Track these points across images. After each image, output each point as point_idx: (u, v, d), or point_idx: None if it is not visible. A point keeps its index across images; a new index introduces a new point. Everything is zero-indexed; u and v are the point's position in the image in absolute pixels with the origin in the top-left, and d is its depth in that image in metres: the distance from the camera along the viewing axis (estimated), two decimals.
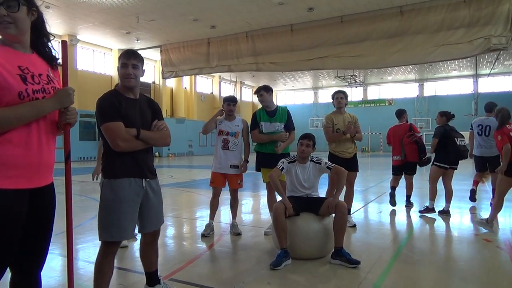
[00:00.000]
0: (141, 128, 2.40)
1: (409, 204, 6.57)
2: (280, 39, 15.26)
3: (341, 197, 4.63)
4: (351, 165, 5.07)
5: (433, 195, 5.98)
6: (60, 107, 1.74)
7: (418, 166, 6.47)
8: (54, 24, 18.01)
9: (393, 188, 6.61)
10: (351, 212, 5.35)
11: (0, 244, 1.56)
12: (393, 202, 6.56)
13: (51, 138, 1.75)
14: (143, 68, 2.49)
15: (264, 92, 4.68)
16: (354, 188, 5.38)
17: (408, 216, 6.02)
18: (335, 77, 31.46)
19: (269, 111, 4.70)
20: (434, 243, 4.49)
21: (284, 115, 4.73)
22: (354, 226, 5.02)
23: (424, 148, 6.43)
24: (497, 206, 4.79)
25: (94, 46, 23.11)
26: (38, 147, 1.66)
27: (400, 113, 6.81)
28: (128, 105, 2.40)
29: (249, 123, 4.81)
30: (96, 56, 23.98)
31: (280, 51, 15.02)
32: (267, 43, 15.50)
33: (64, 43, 1.92)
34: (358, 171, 5.28)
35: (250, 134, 4.76)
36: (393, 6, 13.32)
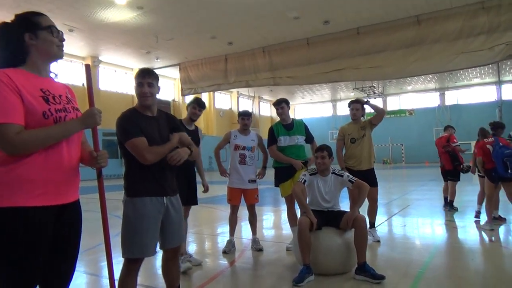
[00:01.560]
0: (158, 143, 2.44)
1: (451, 209, 7.18)
2: (297, 53, 15.34)
3: (364, 212, 4.56)
4: (368, 178, 4.70)
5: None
6: (85, 128, 1.80)
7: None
8: (78, 47, 18.66)
9: (445, 198, 7.43)
10: (375, 226, 5.17)
11: (29, 262, 1.60)
12: (448, 208, 7.20)
13: (76, 156, 1.82)
14: (159, 85, 2.54)
15: (285, 105, 4.70)
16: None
17: (434, 229, 5.85)
18: (353, 89, 31.26)
19: (286, 125, 4.70)
20: (461, 256, 4.33)
21: (302, 128, 4.73)
22: (378, 241, 4.82)
23: (457, 157, 7.20)
24: (489, 207, 5.58)
25: (115, 66, 23.75)
26: (66, 164, 1.73)
27: (445, 128, 7.93)
28: (147, 123, 2.44)
29: (265, 138, 4.82)
30: (117, 76, 24.61)
31: (297, 65, 15.07)
32: (284, 58, 15.60)
33: (87, 67, 2.00)
34: (377, 186, 4.99)
35: (268, 149, 4.76)
36: (409, 16, 13.22)
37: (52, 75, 1.86)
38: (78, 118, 1.78)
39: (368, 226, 4.83)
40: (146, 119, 2.47)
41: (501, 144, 5.33)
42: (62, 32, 1.83)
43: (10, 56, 1.70)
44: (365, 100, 5.11)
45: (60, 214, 1.72)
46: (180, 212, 2.59)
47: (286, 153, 4.60)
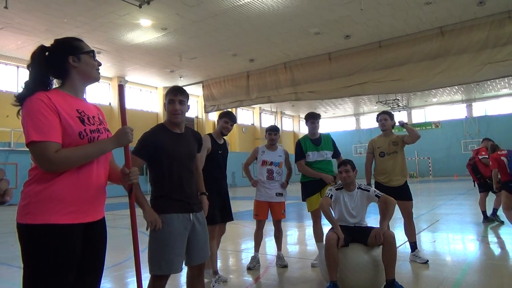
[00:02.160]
0: (185, 160, 2.48)
1: (494, 218, 7.07)
2: (318, 67, 15.40)
3: (398, 230, 4.43)
4: (401, 194, 4.59)
5: None
6: (119, 146, 1.86)
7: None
8: (105, 68, 19.30)
9: (483, 212, 7.24)
10: (417, 246, 4.73)
11: (61, 278, 1.64)
12: (485, 220, 7.10)
13: (105, 175, 1.88)
14: (188, 104, 2.59)
15: (319, 119, 4.72)
16: None
17: (465, 245, 5.63)
18: (376, 102, 30.89)
19: (314, 140, 4.66)
20: (496, 274, 4.13)
21: (329, 143, 4.69)
22: (426, 262, 4.44)
23: (477, 169, 7.16)
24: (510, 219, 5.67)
25: (141, 86, 24.39)
26: (95, 183, 1.78)
27: (482, 140, 7.69)
28: (173, 140, 2.49)
29: (292, 154, 4.80)
30: (143, 94, 25.26)
31: (318, 79, 15.12)
32: (306, 73, 15.69)
33: (120, 87, 2.06)
34: (411, 199, 4.72)
35: (295, 164, 4.72)
36: (432, 28, 13.09)
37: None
38: (112, 137, 1.84)
39: (410, 249, 4.66)
40: (173, 135, 2.51)
41: None
42: None
43: (47, 77, 1.78)
44: (402, 122, 4.80)
45: (87, 230, 1.77)
46: (205, 226, 2.60)
47: (314, 168, 4.56)
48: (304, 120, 4.89)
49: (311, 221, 4.69)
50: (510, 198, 5.58)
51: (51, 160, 1.61)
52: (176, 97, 2.49)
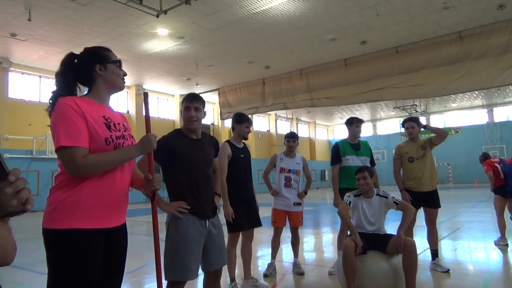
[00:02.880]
0: (202, 166, 2.51)
1: None
2: (334, 73, 15.33)
3: (418, 238, 4.34)
4: (430, 200, 4.54)
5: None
6: (144, 153, 1.91)
7: None
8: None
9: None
10: (438, 255, 4.65)
11: (84, 283, 1.67)
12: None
13: (127, 181, 1.92)
14: (205, 110, 2.61)
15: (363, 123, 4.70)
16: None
17: (488, 254, 5.48)
18: (394, 108, 30.48)
19: (353, 144, 4.63)
20: None
21: (367, 149, 4.67)
22: (447, 271, 4.36)
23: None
24: (501, 222, 5.85)
25: (158, 94, 24.72)
26: (118, 189, 1.82)
27: None
28: (189, 145, 2.52)
29: (308, 160, 4.76)
30: (160, 102, 25.60)
31: (334, 85, 15.04)
32: (321, 79, 15.64)
33: (145, 95, 2.10)
34: (439, 207, 4.66)
35: (331, 167, 4.67)
36: (451, 32, 12.89)
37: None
38: (136, 144, 1.88)
39: (431, 257, 4.57)
40: (189, 141, 2.54)
41: (506, 162, 5.86)
42: None
43: (74, 84, 1.85)
44: (423, 124, 4.76)
45: (108, 236, 1.80)
46: (221, 231, 2.61)
47: (354, 174, 4.47)
48: (346, 124, 4.79)
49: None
50: (502, 203, 5.84)
51: (79, 165, 1.65)
52: (191, 104, 2.52)
